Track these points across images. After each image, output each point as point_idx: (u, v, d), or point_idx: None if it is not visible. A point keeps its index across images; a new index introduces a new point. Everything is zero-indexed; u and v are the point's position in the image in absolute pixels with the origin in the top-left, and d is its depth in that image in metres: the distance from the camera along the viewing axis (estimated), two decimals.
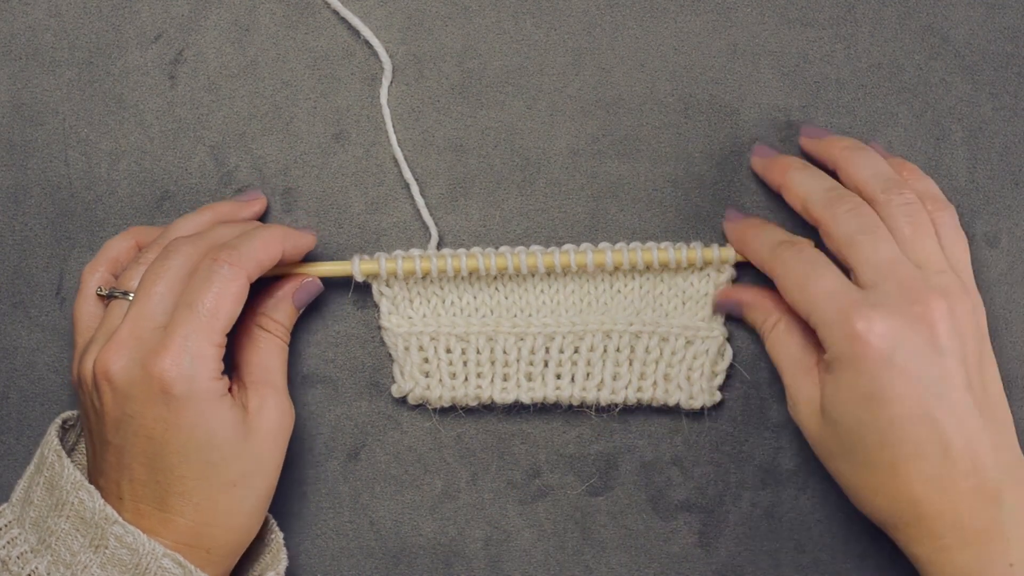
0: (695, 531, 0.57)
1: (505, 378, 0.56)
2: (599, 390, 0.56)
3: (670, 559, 0.57)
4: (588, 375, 0.56)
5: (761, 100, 0.59)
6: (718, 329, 0.56)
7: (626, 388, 0.56)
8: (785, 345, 0.53)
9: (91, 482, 0.50)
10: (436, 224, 0.58)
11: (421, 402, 0.57)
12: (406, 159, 0.58)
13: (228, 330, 0.50)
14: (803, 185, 0.53)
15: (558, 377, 0.56)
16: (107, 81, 0.60)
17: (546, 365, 0.56)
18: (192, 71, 0.59)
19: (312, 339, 0.58)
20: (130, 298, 0.52)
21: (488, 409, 0.57)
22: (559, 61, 0.59)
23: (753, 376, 0.57)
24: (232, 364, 0.54)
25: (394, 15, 0.59)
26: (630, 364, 0.56)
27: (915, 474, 0.47)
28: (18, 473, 0.54)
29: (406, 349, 0.56)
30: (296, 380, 0.58)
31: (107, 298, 0.53)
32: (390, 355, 0.57)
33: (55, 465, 0.50)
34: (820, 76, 0.59)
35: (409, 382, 0.56)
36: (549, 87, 0.59)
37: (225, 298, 0.49)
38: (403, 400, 0.57)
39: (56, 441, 0.51)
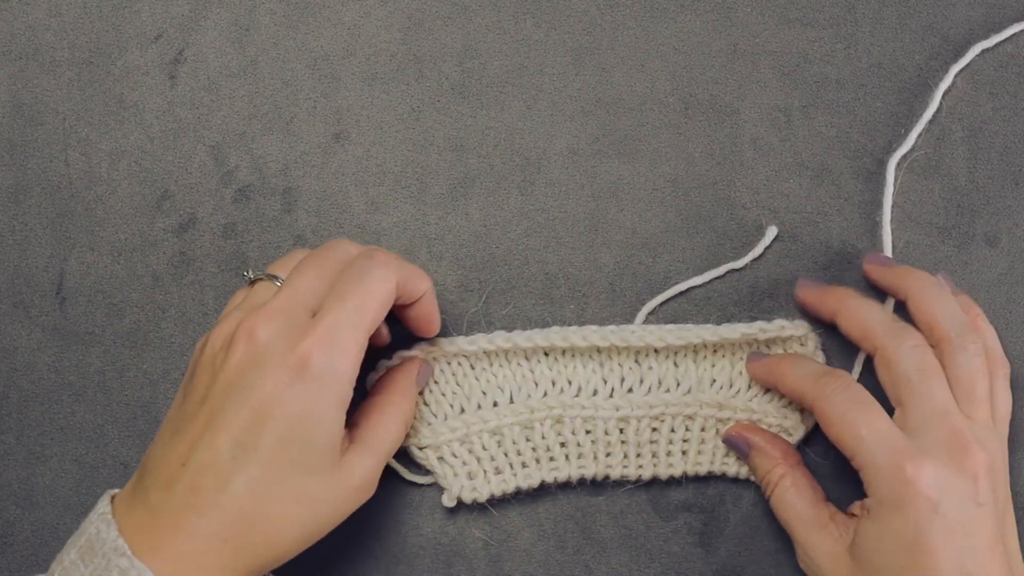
0: (695, 531, 0.57)
1: (552, 459, 0.56)
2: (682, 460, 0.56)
3: (670, 559, 0.57)
4: (669, 452, 0.56)
5: (761, 100, 0.59)
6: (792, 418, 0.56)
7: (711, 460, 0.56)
8: (793, 502, 0.53)
9: (153, 446, 0.49)
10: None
11: (475, 500, 0.56)
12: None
13: (371, 332, 0.49)
14: (865, 313, 0.53)
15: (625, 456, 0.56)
16: (107, 81, 0.60)
17: (606, 445, 0.56)
18: (192, 71, 0.59)
19: None
20: (278, 284, 0.51)
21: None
22: (559, 61, 0.59)
23: None
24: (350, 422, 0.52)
25: (394, 15, 0.60)
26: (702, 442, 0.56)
27: None
28: (18, 473, 0.54)
29: (440, 459, 0.56)
30: None
31: (254, 281, 0.52)
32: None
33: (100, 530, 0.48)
34: (820, 76, 0.59)
35: (455, 488, 0.55)
36: (549, 87, 0.59)
37: (374, 297, 0.49)
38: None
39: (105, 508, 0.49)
